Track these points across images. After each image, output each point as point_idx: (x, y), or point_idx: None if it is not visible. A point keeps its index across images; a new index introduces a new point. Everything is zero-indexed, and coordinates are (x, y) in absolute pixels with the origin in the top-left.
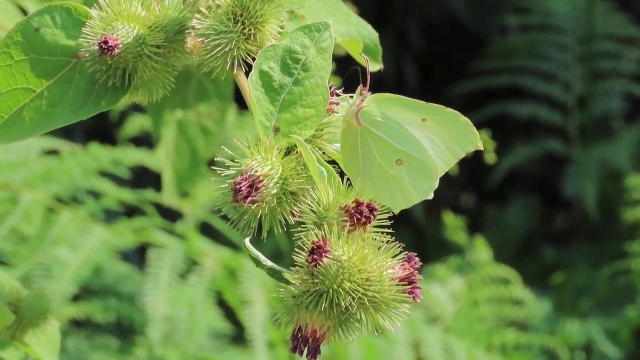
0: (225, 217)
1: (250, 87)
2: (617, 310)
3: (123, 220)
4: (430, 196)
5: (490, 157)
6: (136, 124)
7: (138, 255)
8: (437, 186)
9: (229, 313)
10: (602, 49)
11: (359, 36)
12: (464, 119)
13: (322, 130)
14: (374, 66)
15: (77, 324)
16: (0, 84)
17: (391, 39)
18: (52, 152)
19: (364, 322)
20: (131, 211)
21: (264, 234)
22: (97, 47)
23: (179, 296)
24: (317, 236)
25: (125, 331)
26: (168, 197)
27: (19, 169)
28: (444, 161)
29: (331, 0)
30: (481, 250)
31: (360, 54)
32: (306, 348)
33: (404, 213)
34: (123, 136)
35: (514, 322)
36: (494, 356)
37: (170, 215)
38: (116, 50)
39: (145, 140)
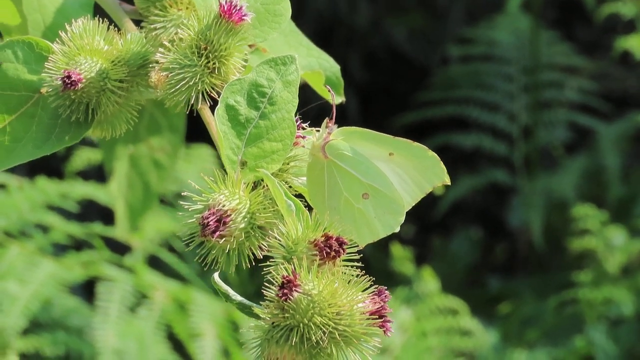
0: (173, 250)
1: (217, 121)
2: (565, 340)
3: (72, 254)
4: (397, 230)
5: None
6: (83, 157)
7: (86, 289)
8: (403, 220)
9: (178, 346)
10: (547, 78)
11: (320, 69)
12: (432, 153)
13: (288, 163)
14: (336, 99)
15: (26, 358)
16: None
17: None
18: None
19: (334, 356)
20: (79, 245)
21: (232, 269)
22: (60, 82)
23: (128, 329)
24: (287, 270)
25: None
26: (122, 231)
27: None
28: (411, 195)
29: (293, 34)
30: (428, 281)
31: (324, 86)
32: None
33: None
34: (70, 170)
35: (462, 353)
36: None
37: (119, 248)
38: (79, 85)
39: (92, 174)
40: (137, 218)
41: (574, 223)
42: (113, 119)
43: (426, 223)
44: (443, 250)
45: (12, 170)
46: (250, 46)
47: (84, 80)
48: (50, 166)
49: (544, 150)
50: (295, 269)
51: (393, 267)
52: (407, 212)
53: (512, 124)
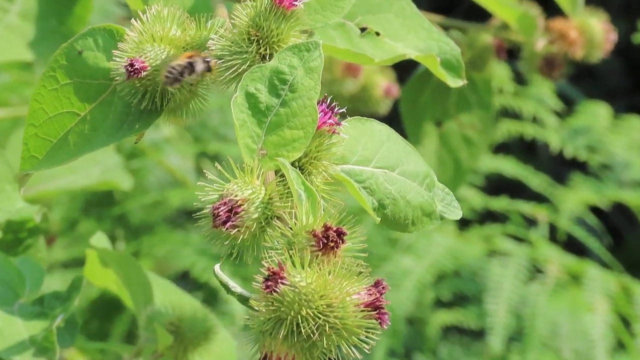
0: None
1: (234, 109)
2: None
3: (475, 228)
4: None
5: None
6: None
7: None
8: None
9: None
10: None
11: (440, 52)
12: None
13: (327, 150)
14: (456, 82)
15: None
16: (48, 108)
17: None
18: None
19: (330, 349)
20: (483, 218)
21: (249, 259)
22: (124, 70)
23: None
24: (273, 262)
25: None
26: None
27: None
28: None
29: (413, 16)
30: None
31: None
32: None
33: None
34: None
35: None
36: None
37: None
38: (143, 73)
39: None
40: None
41: None
42: (183, 105)
43: None
44: None
45: None
46: (305, 32)
47: (148, 68)
48: None
49: None
50: (282, 260)
51: None
52: None
53: None
